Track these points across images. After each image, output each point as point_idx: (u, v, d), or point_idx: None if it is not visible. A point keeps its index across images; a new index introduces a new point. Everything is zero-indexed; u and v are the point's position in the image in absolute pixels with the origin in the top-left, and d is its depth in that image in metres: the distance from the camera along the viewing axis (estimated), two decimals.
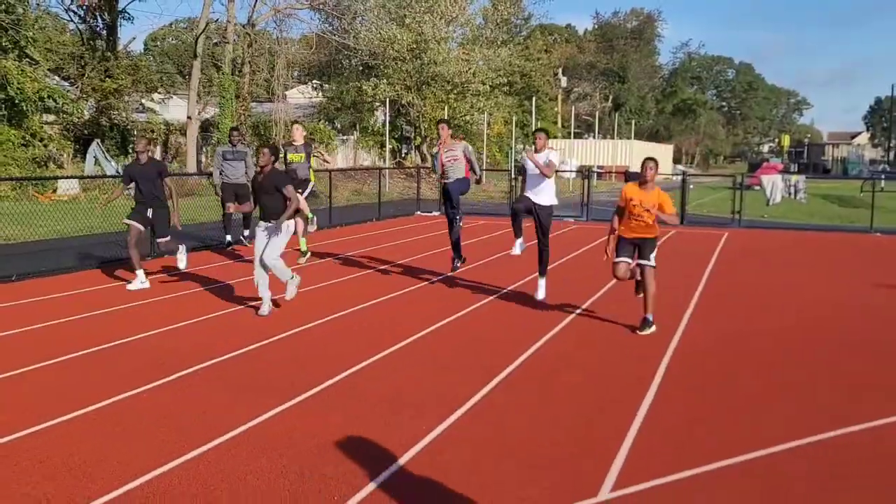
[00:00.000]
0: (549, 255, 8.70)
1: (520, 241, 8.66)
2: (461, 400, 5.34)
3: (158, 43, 56.96)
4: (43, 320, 7.61)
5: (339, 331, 7.40)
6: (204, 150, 30.99)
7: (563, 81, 63.79)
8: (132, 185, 9.46)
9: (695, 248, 14.15)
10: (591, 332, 7.51)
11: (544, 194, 8.42)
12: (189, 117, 28.40)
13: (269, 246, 7.92)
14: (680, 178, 22.24)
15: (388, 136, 34.30)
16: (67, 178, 21.51)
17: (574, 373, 6.11)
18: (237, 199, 12.66)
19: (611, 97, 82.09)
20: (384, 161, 34.40)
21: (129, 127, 28.21)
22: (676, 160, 77.93)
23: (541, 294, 8.66)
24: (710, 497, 3.93)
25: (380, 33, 34.00)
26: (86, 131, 26.93)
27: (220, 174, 12.67)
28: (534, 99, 44.61)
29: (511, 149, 41.06)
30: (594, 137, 57.50)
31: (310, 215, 11.36)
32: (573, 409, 5.24)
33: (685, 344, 7.05)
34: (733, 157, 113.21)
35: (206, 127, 32.33)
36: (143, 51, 54.02)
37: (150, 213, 9.39)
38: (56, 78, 28.43)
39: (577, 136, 57.60)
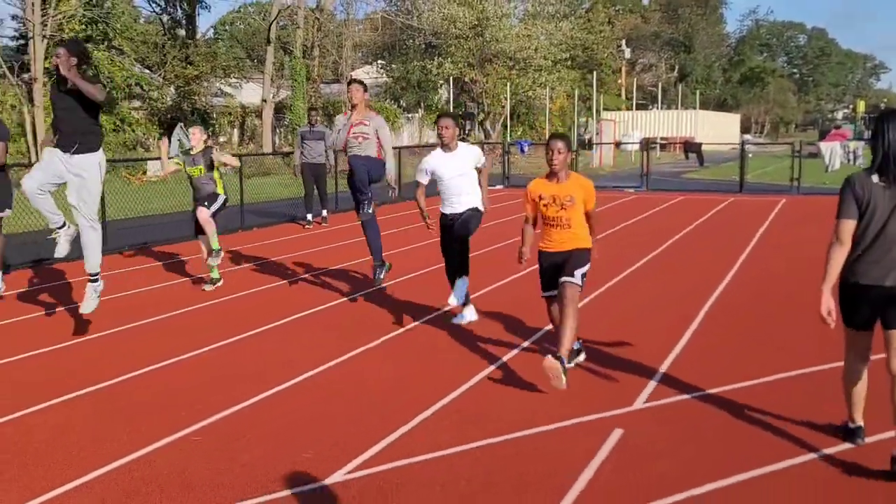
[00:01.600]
0: (468, 268, 6.38)
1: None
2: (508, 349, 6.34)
3: (227, 27, 59.00)
4: (160, 282, 8.91)
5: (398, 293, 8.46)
6: (278, 131, 32.48)
7: (627, 53, 63.34)
8: None
9: (749, 215, 14.73)
10: (643, 279, 8.36)
11: (470, 196, 6.53)
12: (264, 100, 29.87)
13: (80, 194, 5.87)
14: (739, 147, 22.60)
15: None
16: (155, 159, 23.11)
17: (607, 329, 7.03)
18: (316, 179, 13.78)
19: (676, 67, 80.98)
20: None
21: (208, 111, 29.90)
22: (745, 129, 76.61)
23: (468, 317, 6.62)
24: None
25: (442, 12, 34.88)
26: (169, 116, 28.65)
27: (301, 154, 13.73)
28: (595, 73, 44.78)
29: (574, 122, 41.49)
30: (658, 108, 57.18)
31: (215, 247, 8.39)
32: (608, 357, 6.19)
33: (725, 297, 7.86)
34: (805, 126, 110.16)
35: (279, 109, 33.85)
36: (213, 36, 56.06)
37: None
38: (138, 66, 30.23)
39: (642, 107, 57.46)
